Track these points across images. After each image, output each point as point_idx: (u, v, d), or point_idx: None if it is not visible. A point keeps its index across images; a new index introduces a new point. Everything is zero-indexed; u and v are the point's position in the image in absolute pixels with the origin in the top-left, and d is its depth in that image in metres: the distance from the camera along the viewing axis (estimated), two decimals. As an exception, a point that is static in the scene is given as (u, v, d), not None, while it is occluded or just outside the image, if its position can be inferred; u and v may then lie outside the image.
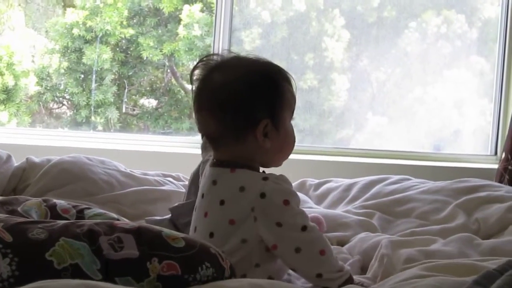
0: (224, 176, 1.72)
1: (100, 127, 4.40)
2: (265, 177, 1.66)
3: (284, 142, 1.77)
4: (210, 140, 1.77)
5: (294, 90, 1.80)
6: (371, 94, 4.35)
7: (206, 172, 1.79)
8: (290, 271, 1.78)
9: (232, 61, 1.77)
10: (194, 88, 1.76)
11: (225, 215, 1.68)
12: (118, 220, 1.82)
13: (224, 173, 1.72)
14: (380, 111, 4.35)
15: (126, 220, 1.93)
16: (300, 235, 1.65)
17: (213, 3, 4.13)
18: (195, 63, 4.48)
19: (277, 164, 1.79)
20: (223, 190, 1.71)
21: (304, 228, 1.65)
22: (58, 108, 4.69)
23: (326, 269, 1.68)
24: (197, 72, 1.76)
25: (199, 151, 3.66)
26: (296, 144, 1.83)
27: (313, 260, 1.68)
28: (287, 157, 1.81)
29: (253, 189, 1.65)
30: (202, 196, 1.77)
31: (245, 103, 1.70)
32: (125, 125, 4.55)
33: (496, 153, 4.28)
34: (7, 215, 1.48)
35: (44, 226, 1.34)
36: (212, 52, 1.58)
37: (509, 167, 3.85)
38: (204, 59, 1.78)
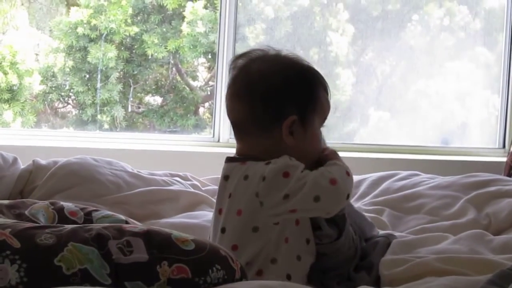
0: (235, 170, 1.71)
1: (106, 126, 4.40)
2: (268, 162, 1.65)
3: (309, 145, 1.75)
4: (236, 127, 1.77)
5: (329, 98, 1.80)
6: (377, 87, 4.32)
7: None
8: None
9: (273, 56, 1.78)
10: (230, 76, 1.78)
11: (232, 207, 1.68)
12: (126, 221, 1.81)
13: (235, 167, 1.72)
14: (386, 105, 4.32)
15: (135, 222, 1.93)
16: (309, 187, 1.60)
17: (216, 0, 4.12)
18: (199, 60, 4.46)
19: None
20: (232, 183, 1.71)
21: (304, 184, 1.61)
22: (64, 107, 4.68)
23: (348, 186, 1.69)
24: (237, 62, 1.78)
25: (205, 149, 3.67)
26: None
27: (331, 194, 1.62)
28: (310, 164, 1.72)
29: (256, 175, 1.64)
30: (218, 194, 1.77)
31: (276, 95, 1.71)
32: (130, 123, 4.54)
33: (504, 146, 4.24)
34: (15, 221, 1.47)
35: (52, 231, 1.33)
36: (253, 48, 1.63)
37: (518, 160, 3.82)
38: (247, 52, 1.80)
